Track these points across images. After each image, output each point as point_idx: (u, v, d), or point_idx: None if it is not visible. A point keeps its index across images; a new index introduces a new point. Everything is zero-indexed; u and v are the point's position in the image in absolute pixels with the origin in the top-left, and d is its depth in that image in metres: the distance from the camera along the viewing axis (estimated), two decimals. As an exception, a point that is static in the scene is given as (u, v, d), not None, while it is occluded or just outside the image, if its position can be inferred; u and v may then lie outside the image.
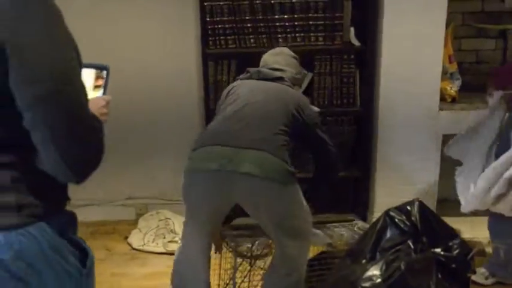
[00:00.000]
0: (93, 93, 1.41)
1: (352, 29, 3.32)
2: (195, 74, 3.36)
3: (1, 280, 1.16)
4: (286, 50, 2.68)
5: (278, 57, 2.58)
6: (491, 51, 3.70)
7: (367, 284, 1.95)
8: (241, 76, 2.55)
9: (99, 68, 1.45)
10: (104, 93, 1.44)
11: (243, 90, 2.41)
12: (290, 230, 2.20)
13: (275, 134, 2.20)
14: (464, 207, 2.65)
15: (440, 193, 3.42)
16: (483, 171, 2.58)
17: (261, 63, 2.59)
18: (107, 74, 1.45)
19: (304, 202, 2.28)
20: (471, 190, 2.58)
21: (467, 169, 2.76)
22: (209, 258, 2.35)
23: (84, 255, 1.31)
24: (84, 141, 1.17)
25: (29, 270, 1.18)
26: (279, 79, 2.43)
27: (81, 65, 1.21)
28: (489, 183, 2.47)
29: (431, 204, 3.33)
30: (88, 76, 1.40)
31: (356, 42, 3.32)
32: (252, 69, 2.52)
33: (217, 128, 2.26)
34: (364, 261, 2.08)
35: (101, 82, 1.44)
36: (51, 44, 1.13)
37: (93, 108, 1.30)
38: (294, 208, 2.21)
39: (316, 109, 2.61)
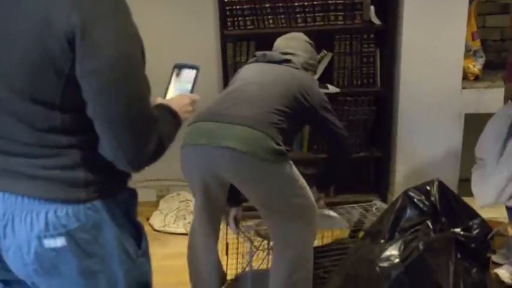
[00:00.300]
0: (181, 89, 1.52)
1: (372, 8, 3.28)
2: (214, 56, 3.37)
3: (67, 250, 1.25)
4: (301, 35, 2.63)
5: (291, 42, 2.55)
6: None
7: (385, 264, 1.93)
8: (249, 60, 2.54)
9: (191, 67, 1.54)
10: (191, 91, 1.52)
11: (244, 72, 2.42)
12: (278, 210, 2.19)
13: (267, 113, 2.16)
14: (480, 201, 2.62)
15: (462, 173, 3.38)
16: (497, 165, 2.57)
17: (274, 47, 2.57)
18: (197, 74, 1.53)
19: (300, 181, 2.24)
20: (486, 186, 2.56)
21: (483, 163, 2.72)
22: (216, 234, 2.40)
23: (139, 237, 1.38)
24: (142, 132, 1.23)
25: (93, 242, 1.27)
26: (286, 61, 2.40)
27: (144, 59, 1.26)
28: (504, 180, 2.47)
29: (453, 184, 3.32)
30: (182, 77, 1.53)
31: (376, 21, 3.28)
32: (258, 53, 2.50)
33: (211, 107, 2.26)
34: (382, 241, 2.06)
35: (190, 81, 1.53)
36: (117, 38, 1.18)
37: (177, 104, 1.42)
38: (282, 187, 2.18)
39: (334, 89, 2.60)
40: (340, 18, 3.25)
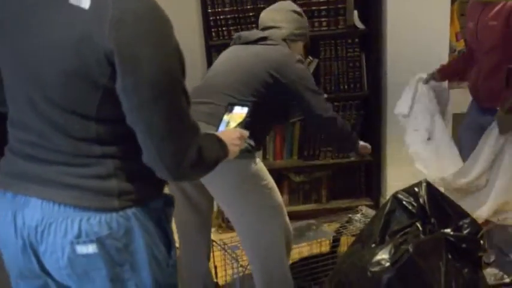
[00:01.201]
0: (232, 125, 1.66)
1: (355, 12, 3.30)
2: (200, 65, 3.36)
3: (98, 256, 1.29)
4: (287, 4, 2.54)
5: (275, 14, 2.46)
6: (499, 27, 3.63)
7: (376, 269, 1.91)
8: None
9: (242, 105, 1.70)
10: (242, 127, 1.64)
11: (216, 61, 2.43)
12: (240, 210, 2.20)
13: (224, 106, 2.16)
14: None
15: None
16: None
17: (259, 21, 2.51)
18: (248, 112, 1.67)
19: (265, 180, 2.21)
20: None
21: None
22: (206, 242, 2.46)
23: (170, 245, 1.40)
24: (181, 143, 1.28)
25: (124, 250, 1.30)
26: (262, 39, 2.34)
27: (185, 73, 1.30)
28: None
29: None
30: (233, 115, 1.68)
31: (360, 25, 3.30)
32: (235, 35, 2.47)
33: None
34: (373, 245, 2.05)
35: (240, 118, 1.66)
36: (156, 55, 1.21)
37: (226, 136, 1.53)
38: (242, 185, 2.17)
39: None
40: (324, 24, 3.27)
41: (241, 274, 2.48)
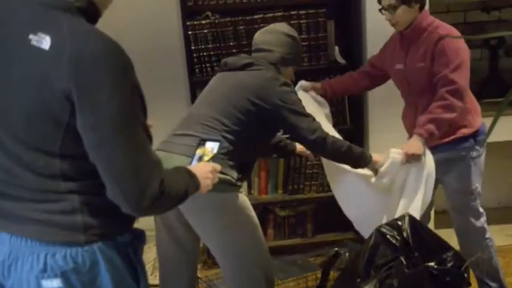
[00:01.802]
0: (205, 159, 1.70)
1: (336, 48, 3.37)
2: (184, 100, 3.40)
3: None
4: (279, 27, 2.50)
5: (268, 36, 2.43)
6: (477, 61, 3.74)
7: (361, 304, 1.94)
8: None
9: (213, 140, 1.75)
10: (214, 161, 1.68)
11: (202, 92, 2.44)
12: (219, 244, 2.22)
13: (216, 135, 2.15)
14: None
15: (437, 205, 3.41)
16: None
17: (252, 42, 2.49)
18: (219, 147, 1.72)
19: (245, 214, 2.21)
20: None
21: None
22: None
23: (138, 280, 1.41)
24: (142, 178, 1.29)
25: (89, 285, 1.32)
26: (247, 65, 2.32)
27: (146, 112, 1.34)
28: None
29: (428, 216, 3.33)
30: (205, 150, 1.72)
31: (341, 60, 3.38)
32: (222, 61, 2.47)
33: (168, 134, 2.30)
34: (358, 280, 2.07)
35: (212, 152, 1.71)
36: (114, 95, 1.24)
37: (198, 170, 1.55)
38: (220, 218, 2.17)
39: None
40: (306, 59, 3.32)
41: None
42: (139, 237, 1.44)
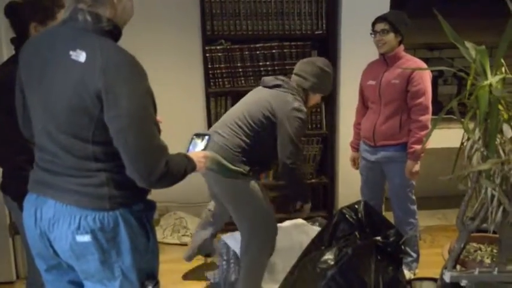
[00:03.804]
0: (197, 149, 1.66)
1: (318, 71, 3.38)
2: (201, 108, 3.42)
3: (92, 244, 1.34)
4: (318, 60, 2.42)
5: (307, 66, 2.37)
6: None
7: (323, 266, 1.97)
8: None
9: (204, 134, 1.71)
10: (205, 150, 1.65)
11: (240, 100, 2.43)
12: (239, 215, 2.31)
13: (231, 137, 2.22)
14: None
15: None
16: None
17: (295, 66, 2.43)
18: (208, 139, 1.69)
19: (255, 195, 2.23)
20: None
21: None
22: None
23: (148, 238, 1.43)
24: (152, 158, 1.31)
25: (111, 240, 1.35)
26: (277, 86, 2.30)
27: (155, 109, 1.35)
28: None
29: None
30: (198, 141, 1.69)
31: (321, 81, 3.38)
32: (262, 78, 2.44)
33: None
34: (323, 247, 2.12)
35: (203, 143, 1.67)
36: (132, 93, 1.27)
37: (194, 155, 1.54)
38: (232, 198, 2.29)
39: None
40: (294, 79, 3.35)
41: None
42: (151, 206, 1.46)
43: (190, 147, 1.68)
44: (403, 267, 2.71)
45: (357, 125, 2.87)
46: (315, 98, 2.43)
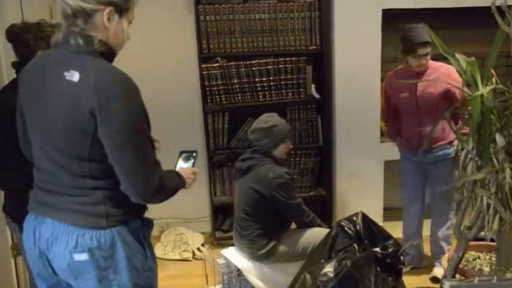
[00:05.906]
0: (186, 165, 1.66)
1: (313, 86, 3.40)
2: (199, 124, 3.43)
3: (89, 262, 1.33)
4: (257, 123, 2.43)
5: (254, 135, 2.42)
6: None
7: (324, 278, 1.95)
8: None
9: (191, 151, 1.71)
10: (193, 166, 1.65)
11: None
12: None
13: (251, 232, 2.42)
14: None
15: (385, 203, 3.45)
16: None
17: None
18: (195, 156, 1.69)
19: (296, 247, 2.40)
20: None
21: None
22: None
23: (146, 256, 1.42)
24: (146, 174, 1.32)
25: (109, 258, 1.34)
26: (249, 168, 2.40)
27: (149, 125, 1.36)
28: None
29: (379, 212, 3.36)
30: (186, 158, 1.69)
31: (316, 95, 3.40)
32: (235, 165, 2.52)
33: None
34: (322, 260, 2.09)
35: (191, 160, 1.68)
36: (125, 111, 1.28)
37: (184, 173, 1.55)
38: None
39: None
40: (290, 94, 3.34)
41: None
42: (148, 223, 1.45)
43: (178, 165, 1.67)
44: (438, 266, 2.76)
45: (397, 131, 2.87)
46: (284, 148, 2.46)
